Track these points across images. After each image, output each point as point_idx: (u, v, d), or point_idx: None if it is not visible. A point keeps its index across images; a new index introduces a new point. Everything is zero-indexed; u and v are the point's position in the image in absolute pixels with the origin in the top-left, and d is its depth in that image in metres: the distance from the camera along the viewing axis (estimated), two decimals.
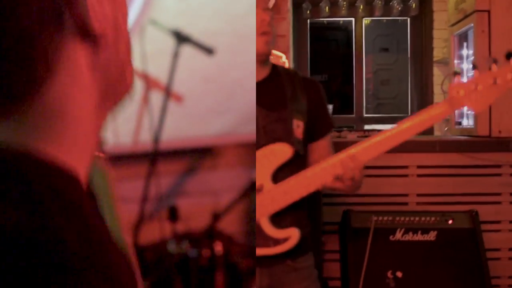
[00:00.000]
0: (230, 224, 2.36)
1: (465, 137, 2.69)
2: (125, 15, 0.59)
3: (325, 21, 4.70)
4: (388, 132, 1.64)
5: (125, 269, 0.48)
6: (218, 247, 2.14)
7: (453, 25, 2.92)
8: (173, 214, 2.20)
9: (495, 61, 1.57)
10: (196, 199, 2.49)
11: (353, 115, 4.31)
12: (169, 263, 2.11)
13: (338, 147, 2.61)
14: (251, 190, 2.23)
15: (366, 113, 4.66)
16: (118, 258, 0.48)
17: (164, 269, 2.10)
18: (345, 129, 2.85)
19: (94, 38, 0.53)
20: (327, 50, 5.24)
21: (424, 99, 4.06)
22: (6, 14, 0.47)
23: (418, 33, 4.17)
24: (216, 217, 2.19)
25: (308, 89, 1.77)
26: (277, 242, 1.67)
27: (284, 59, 2.75)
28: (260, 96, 1.72)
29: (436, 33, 3.99)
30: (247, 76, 2.58)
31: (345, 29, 4.90)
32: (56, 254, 0.42)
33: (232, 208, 2.23)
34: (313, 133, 1.76)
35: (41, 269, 0.41)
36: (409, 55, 4.22)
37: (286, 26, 2.85)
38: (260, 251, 1.68)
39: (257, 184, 1.68)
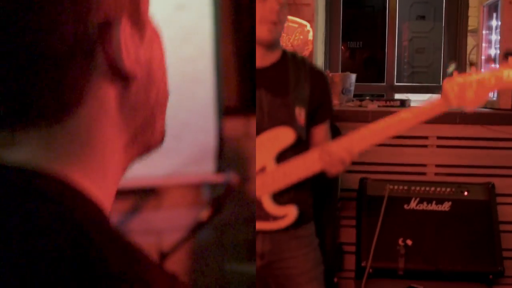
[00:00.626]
0: (175, 263, 2.43)
1: (486, 110, 2.67)
2: (161, 64, 0.60)
3: None
4: (382, 123, 1.72)
5: (164, 283, 0.50)
6: (164, 286, 2.20)
7: None
8: None
9: (495, 59, 1.60)
10: (139, 238, 2.55)
11: (384, 84, 4.29)
12: None
13: (359, 116, 2.65)
14: (196, 229, 2.31)
15: (401, 82, 4.62)
16: (158, 273, 0.50)
17: None
18: (367, 98, 2.88)
19: (124, 78, 0.54)
20: (362, 17, 5.20)
21: (456, 69, 4.01)
22: (42, 37, 0.48)
23: (453, 0, 4.08)
24: (163, 256, 2.26)
25: (313, 78, 1.85)
26: (276, 218, 1.80)
27: (308, 28, 2.78)
28: (267, 81, 1.80)
29: (472, 1, 3.91)
30: (196, 118, 2.66)
31: None
32: (99, 270, 0.44)
33: (178, 247, 2.30)
34: (314, 118, 1.87)
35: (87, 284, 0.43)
36: (443, 23, 4.15)
37: None
38: (261, 225, 1.81)
39: (260, 165, 1.80)
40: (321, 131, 1.89)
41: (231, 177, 2.48)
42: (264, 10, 1.72)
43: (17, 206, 0.46)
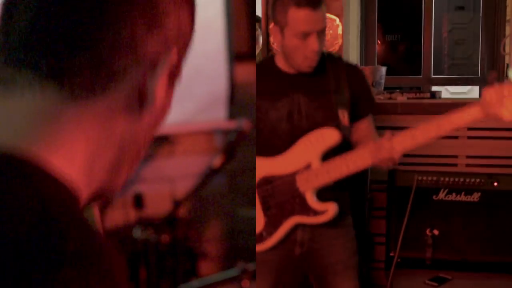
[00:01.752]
0: (189, 210, 2.47)
1: None
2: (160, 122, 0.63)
3: None
4: (423, 128, 1.75)
5: (117, 265, 0.51)
6: (178, 233, 2.25)
7: None
8: (139, 201, 2.31)
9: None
10: (153, 185, 2.56)
11: (421, 76, 4.27)
12: (134, 249, 2.23)
13: (388, 108, 2.68)
14: (209, 176, 2.34)
15: (441, 74, 4.58)
16: (117, 262, 0.52)
17: (128, 254, 2.22)
18: (397, 90, 2.89)
19: (142, 108, 0.57)
20: (401, 9, 5.16)
21: (494, 60, 3.96)
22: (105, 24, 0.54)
23: None
24: (177, 203, 2.30)
25: (350, 75, 1.90)
26: (316, 213, 1.87)
27: (337, 22, 2.82)
28: (304, 85, 1.86)
29: None
30: (207, 65, 2.67)
31: None
32: (57, 249, 0.47)
33: (191, 194, 2.33)
34: (355, 114, 1.91)
35: (42, 263, 0.46)
36: (481, 14, 4.10)
37: None
38: (301, 219, 1.89)
39: (305, 162, 1.87)
40: (363, 125, 1.93)
41: (243, 123, 2.51)
42: (305, 49, 1.76)
43: None
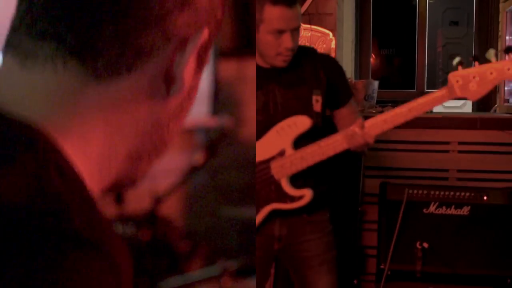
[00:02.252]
0: (169, 207, 2.44)
1: (507, 115, 2.69)
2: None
3: None
4: (393, 111, 1.81)
5: (123, 254, 0.48)
6: (159, 230, 2.23)
7: (505, 0, 2.89)
8: (119, 197, 2.31)
9: (496, 54, 1.68)
10: None
11: (415, 90, 4.31)
12: None
13: None
14: (190, 173, 2.35)
15: (436, 88, 4.62)
16: (115, 238, 0.48)
17: None
18: (389, 104, 2.93)
19: (168, 90, 0.54)
20: (396, 23, 5.22)
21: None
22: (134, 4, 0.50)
23: (484, 6, 4.08)
24: (158, 200, 2.30)
25: (326, 64, 1.95)
26: (292, 199, 1.90)
27: (331, 37, 2.86)
28: (279, 77, 1.90)
29: (502, 7, 3.89)
30: None
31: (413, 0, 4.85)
32: (61, 223, 0.44)
33: (173, 191, 2.33)
34: (335, 103, 1.97)
35: (44, 237, 0.42)
36: (474, 29, 4.15)
37: (333, 4, 2.94)
38: (277, 206, 1.92)
39: (279, 149, 1.90)
40: (344, 114, 1.99)
41: (226, 120, 2.50)
42: (279, 46, 1.80)
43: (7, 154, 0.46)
